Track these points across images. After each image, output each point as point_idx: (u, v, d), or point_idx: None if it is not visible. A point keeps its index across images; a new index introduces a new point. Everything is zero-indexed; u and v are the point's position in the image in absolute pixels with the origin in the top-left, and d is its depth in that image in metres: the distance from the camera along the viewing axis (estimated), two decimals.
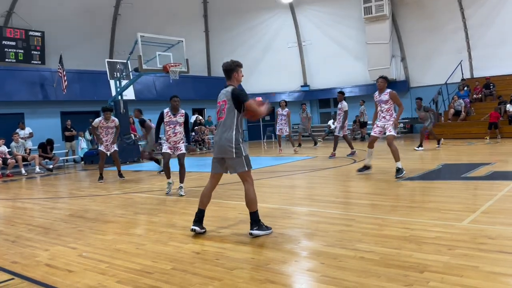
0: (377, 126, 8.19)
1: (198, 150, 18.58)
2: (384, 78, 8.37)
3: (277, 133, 14.44)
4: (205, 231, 4.62)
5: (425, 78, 19.86)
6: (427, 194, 6.27)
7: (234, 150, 4.40)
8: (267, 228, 4.50)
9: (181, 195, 7.15)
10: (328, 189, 7.25)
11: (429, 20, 19.37)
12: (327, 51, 21.97)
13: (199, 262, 3.71)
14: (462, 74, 18.75)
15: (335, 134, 12.26)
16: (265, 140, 22.61)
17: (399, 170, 7.64)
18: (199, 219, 4.62)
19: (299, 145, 16.24)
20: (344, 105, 11.74)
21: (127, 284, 3.28)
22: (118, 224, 5.50)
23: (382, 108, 8.16)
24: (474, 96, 17.74)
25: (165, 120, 7.45)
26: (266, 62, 23.22)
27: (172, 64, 13.82)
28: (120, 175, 10.18)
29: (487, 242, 3.73)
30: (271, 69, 23.00)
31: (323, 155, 12.79)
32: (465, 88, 17.82)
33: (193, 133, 19.48)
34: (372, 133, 8.35)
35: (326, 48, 21.99)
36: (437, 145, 12.87)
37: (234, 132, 4.43)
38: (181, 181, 7.38)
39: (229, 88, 4.60)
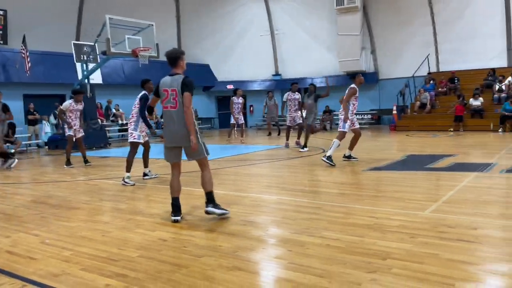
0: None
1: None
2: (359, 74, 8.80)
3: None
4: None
5: (393, 71, 20.28)
6: (392, 184, 6.44)
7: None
8: (224, 209, 4.64)
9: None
10: (296, 178, 7.34)
11: (398, 14, 19.73)
12: (299, 41, 22.05)
13: (166, 249, 3.69)
14: (429, 68, 19.27)
15: (298, 123, 11.90)
16: (236, 129, 22.56)
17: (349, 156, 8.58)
18: (177, 208, 4.62)
19: (269, 133, 16.31)
20: (299, 95, 11.97)
21: (92, 272, 3.23)
22: (83, 211, 5.38)
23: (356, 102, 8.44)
24: (439, 89, 18.28)
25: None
26: (238, 50, 23.08)
27: (141, 49, 13.50)
28: (86, 161, 9.93)
29: (447, 230, 3.88)
30: (243, 57, 22.90)
31: (293, 143, 12.89)
32: (431, 82, 18.33)
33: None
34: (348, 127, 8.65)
35: (298, 38, 22.07)
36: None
37: None
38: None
39: (178, 77, 4.60)
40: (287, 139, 12.20)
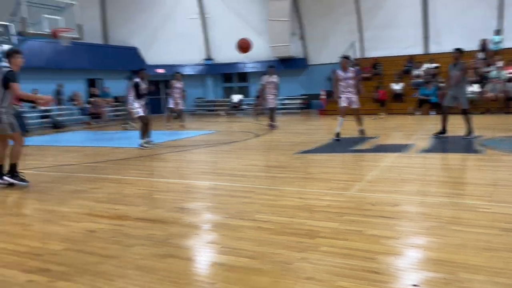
0: (346, 98, 9.45)
1: (94, 123, 17.51)
2: (346, 57, 9.71)
3: None
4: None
5: (321, 57, 20.89)
6: (320, 166, 6.71)
7: None
8: (23, 180, 5.58)
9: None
10: (230, 163, 7.37)
11: (325, 1, 20.30)
12: (231, 25, 21.86)
13: (95, 240, 3.55)
14: (355, 54, 20.12)
15: (271, 107, 12.51)
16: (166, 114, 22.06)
17: (362, 131, 9.65)
18: None
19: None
20: (278, 79, 12.50)
21: (12, 268, 3.02)
22: (2, 204, 5.00)
23: (350, 83, 9.43)
24: (363, 75, 19.19)
25: None
26: (168, 33, 22.36)
27: (62, 29, 12.65)
28: None
29: (370, 208, 4.13)
30: (173, 40, 22.23)
31: (227, 129, 12.93)
32: (356, 67, 19.16)
33: (89, 105, 18.25)
34: (343, 104, 9.47)
35: (230, 22, 21.87)
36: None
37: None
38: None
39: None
40: (274, 120, 12.57)
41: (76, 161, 7.92)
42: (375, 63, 19.18)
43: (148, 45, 22.59)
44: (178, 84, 14.02)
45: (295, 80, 21.22)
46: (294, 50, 20.97)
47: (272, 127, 12.18)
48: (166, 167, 7.23)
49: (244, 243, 3.34)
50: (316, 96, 19.90)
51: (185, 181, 5.92)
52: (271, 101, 12.41)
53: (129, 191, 5.32)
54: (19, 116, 13.94)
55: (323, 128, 12.93)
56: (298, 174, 6.05)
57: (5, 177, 5.64)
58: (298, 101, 20.94)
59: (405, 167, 6.23)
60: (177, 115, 14.38)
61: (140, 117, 9.23)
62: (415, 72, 17.46)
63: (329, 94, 18.82)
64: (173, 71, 22.78)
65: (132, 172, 6.64)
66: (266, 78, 12.51)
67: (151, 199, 4.90)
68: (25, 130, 13.88)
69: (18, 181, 5.66)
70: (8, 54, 5.83)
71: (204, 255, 3.25)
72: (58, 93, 17.81)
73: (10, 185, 5.63)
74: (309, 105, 21.15)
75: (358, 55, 20.29)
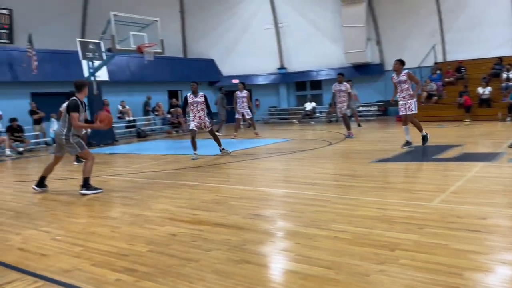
0: (401, 105, 8.99)
1: (175, 132, 18.43)
2: (399, 60, 9.02)
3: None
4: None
5: None
6: (399, 175, 6.43)
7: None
8: (96, 188, 6.17)
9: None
10: (303, 171, 7.34)
11: (404, 4, 19.51)
12: (304, 33, 21.90)
13: (176, 244, 3.72)
14: (435, 57, 19.09)
15: (343, 114, 12.09)
16: (242, 123, 22.56)
17: (424, 137, 8.79)
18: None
19: (359, 125, 15.22)
20: (348, 86, 12.12)
21: (102, 267, 3.27)
22: (93, 207, 5.44)
23: (402, 88, 8.86)
24: (446, 79, 18.12)
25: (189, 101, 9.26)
26: (243, 44, 22.98)
27: (146, 45, 13.53)
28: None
29: (455, 221, 3.87)
30: (248, 51, 22.79)
31: (300, 137, 12.90)
32: (438, 72, 18.17)
33: (169, 115, 19.27)
34: (400, 113, 9.10)
35: (303, 31, 21.91)
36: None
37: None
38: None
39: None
40: (349, 128, 12.05)
41: (159, 168, 8.39)
42: (459, 66, 18.02)
43: (224, 57, 23.39)
44: (241, 94, 13.90)
45: (371, 86, 20.62)
46: (369, 55, 20.44)
47: (349, 135, 11.78)
48: (242, 174, 7.38)
49: (320, 252, 3.30)
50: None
51: (260, 188, 5.99)
52: (342, 109, 12.08)
53: (207, 197, 5.51)
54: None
55: (401, 136, 12.38)
56: (375, 184, 5.85)
57: (81, 191, 6.12)
58: (374, 108, 20.30)
59: (494, 177, 5.76)
60: (248, 124, 14.46)
61: (190, 130, 9.45)
62: (505, 74, 16.11)
63: None
64: (247, 81, 23.42)
65: (209, 179, 6.88)
66: (335, 86, 12.25)
67: (228, 205, 5.02)
68: (113, 139, 15.05)
69: (93, 190, 6.16)
70: (78, 86, 6.44)
71: (278, 263, 3.26)
72: (146, 104, 19.07)
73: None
74: (386, 112, 20.42)
75: (440, 59, 19.23)
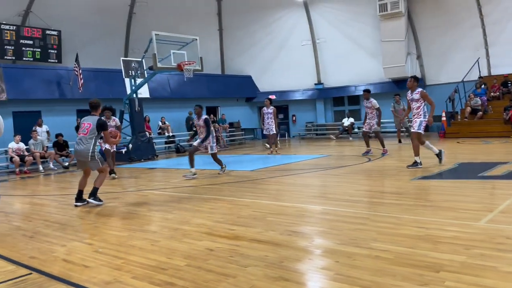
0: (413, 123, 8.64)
1: None
2: (413, 77, 8.66)
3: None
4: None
5: (441, 76, 19.58)
6: (443, 193, 6.18)
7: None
8: (100, 200, 6.67)
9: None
10: (342, 188, 7.21)
11: (445, 17, 19.08)
12: (341, 48, 21.80)
13: (213, 259, 3.72)
14: (479, 71, 18.43)
15: (374, 131, 11.78)
16: (278, 139, 22.56)
17: (415, 163, 8.50)
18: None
19: (399, 141, 14.85)
20: (374, 102, 11.60)
21: (142, 280, 3.32)
22: (133, 220, 5.56)
23: (413, 106, 8.54)
24: (492, 94, 17.43)
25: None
26: (280, 60, 23.14)
27: (186, 62, 13.88)
28: (112, 172, 9.98)
29: (505, 242, 3.67)
30: (285, 67, 22.92)
31: (337, 153, 12.73)
32: (482, 86, 17.52)
33: None
34: (412, 131, 8.71)
35: (340, 46, 21.82)
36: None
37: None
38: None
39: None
40: (368, 145, 11.88)
41: (196, 182, 8.50)
42: (506, 80, 17.32)
43: (261, 73, 23.62)
44: (267, 110, 13.64)
45: None
46: (409, 70, 20.05)
47: (384, 152, 11.44)
48: (279, 190, 7.34)
49: (360, 271, 3.20)
50: (436, 118, 18.59)
51: (297, 204, 5.93)
52: (371, 125, 11.62)
53: (244, 212, 5.51)
54: (149, 141, 15.51)
55: (445, 153, 11.97)
56: (417, 202, 5.65)
57: (89, 200, 6.69)
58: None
59: None
60: (273, 140, 14.02)
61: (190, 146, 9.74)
62: None
63: (452, 115, 17.47)
64: (284, 97, 23.48)
65: (246, 194, 6.89)
66: (365, 103, 11.87)
67: (265, 221, 5.00)
68: (154, 154, 15.42)
69: (97, 201, 6.71)
70: (95, 106, 7.07)
71: (318, 281, 3.19)
72: (188, 119, 19.48)
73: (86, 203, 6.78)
74: (427, 127, 19.83)
75: (484, 73, 18.56)
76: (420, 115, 8.40)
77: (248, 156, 9.93)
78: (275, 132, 13.64)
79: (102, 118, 6.83)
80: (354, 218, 4.88)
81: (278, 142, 14.54)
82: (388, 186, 7.07)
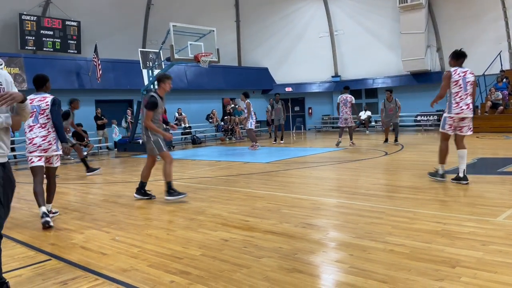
0: None
1: (227, 140, 18.73)
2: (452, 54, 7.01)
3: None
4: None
5: None
6: (461, 188, 6.09)
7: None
8: (180, 193, 5.95)
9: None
10: (358, 181, 7.17)
11: (467, 9, 18.64)
12: (360, 41, 21.53)
13: (228, 249, 3.76)
14: (501, 65, 18.00)
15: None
16: (294, 131, 22.51)
17: (436, 172, 6.66)
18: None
19: (386, 140, 13.66)
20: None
21: (158, 268, 3.37)
22: (150, 210, 5.64)
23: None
24: None
25: None
26: (297, 52, 23.00)
27: (203, 54, 13.90)
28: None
29: None
30: (302, 59, 22.77)
31: (354, 147, 12.63)
32: (504, 80, 17.11)
33: (222, 123, 19.63)
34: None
35: (359, 38, 21.56)
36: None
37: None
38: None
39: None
40: (351, 139, 13.08)
41: (212, 174, 8.55)
42: None
43: (278, 65, 23.52)
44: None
45: (430, 95, 19.65)
46: (429, 63, 19.70)
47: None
48: (294, 182, 7.34)
49: (374, 265, 3.19)
50: None
51: (312, 197, 5.92)
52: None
53: (259, 204, 5.54)
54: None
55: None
56: (434, 196, 5.59)
57: (167, 197, 5.93)
58: (434, 118, 19.49)
59: None
60: (280, 132, 16.04)
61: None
62: None
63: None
64: (301, 90, 23.36)
65: (261, 186, 6.91)
66: (340, 97, 13.23)
67: (280, 213, 5.01)
68: (170, 145, 15.55)
69: (176, 196, 5.91)
70: (159, 79, 6.42)
71: (331, 274, 3.19)
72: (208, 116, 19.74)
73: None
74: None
75: (506, 66, 18.11)
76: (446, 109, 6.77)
77: (264, 148, 9.91)
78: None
79: (154, 95, 6.10)
80: (369, 212, 4.86)
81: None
82: (404, 180, 7.00)
